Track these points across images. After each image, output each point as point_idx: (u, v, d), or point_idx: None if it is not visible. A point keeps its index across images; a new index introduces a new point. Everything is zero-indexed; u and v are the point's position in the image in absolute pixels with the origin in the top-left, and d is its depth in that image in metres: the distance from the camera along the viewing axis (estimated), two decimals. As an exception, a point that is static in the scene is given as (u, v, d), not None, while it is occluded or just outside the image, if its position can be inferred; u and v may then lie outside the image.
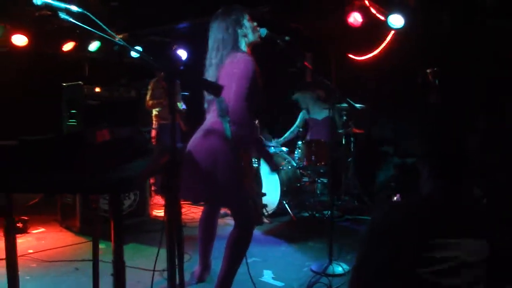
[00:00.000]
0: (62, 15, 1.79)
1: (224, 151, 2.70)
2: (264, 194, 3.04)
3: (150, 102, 6.04)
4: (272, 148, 5.79)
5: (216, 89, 2.03)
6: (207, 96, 2.92)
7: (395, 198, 5.01)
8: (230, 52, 2.78)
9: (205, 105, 2.98)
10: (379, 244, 1.51)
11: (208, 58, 2.89)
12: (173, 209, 1.92)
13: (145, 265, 3.40)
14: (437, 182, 1.54)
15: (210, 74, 2.83)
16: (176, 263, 2.11)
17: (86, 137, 1.44)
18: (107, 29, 1.93)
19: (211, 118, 2.86)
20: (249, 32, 2.88)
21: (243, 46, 2.87)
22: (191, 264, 3.62)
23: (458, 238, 1.42)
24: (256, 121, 3.24)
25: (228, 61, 2.76)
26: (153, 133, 6.30)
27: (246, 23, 2.87)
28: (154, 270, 2.27)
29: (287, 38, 3.13)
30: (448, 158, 1.55)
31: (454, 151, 1.56)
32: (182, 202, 5.31)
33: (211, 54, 2.86)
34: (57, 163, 1.39)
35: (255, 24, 2.93)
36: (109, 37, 2.01)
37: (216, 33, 2.85)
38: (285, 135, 6.21)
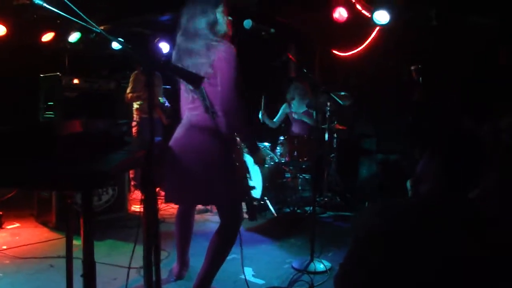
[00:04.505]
0: (41, 2, 1.68)
1: (217, 148, 2.61)
2: (254, 188, 2.91)
3: (130, 95, 5.85)
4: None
5: (196, 80, 1.94)
6: (187, 91, 2.77)
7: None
8: (210, 42, 2.60)
9: (182, 100, 2.88)
10: (373, 246, 1.45)
11: (181, 49, 2.71)
12: (150, 204, 1.84)
13: (122, 262, 3.32)
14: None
15: (188, 64, 2.63)
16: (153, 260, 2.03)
17: (54, 128, 1.35)
18: (87, 19, 1.84)
19: (197, 114, 2.72)
20: (221, 22, 2.68)
21: (218, 35, 2.67)
22: (170, 261, 3.55)
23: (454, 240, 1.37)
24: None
25: (212, 51, 2.58)
26: (134, 127, 6.16)
27: (218, 14, 2.67)
28: (129, 267, 2.19)
29: (272, 30, 3.05)
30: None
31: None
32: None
33: (186, 44, 2.68)
34: (21, 156, 1.30)
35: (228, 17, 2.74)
36: (90, 26, 1.92)
37: (190, 22, 2.67)
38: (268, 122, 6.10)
